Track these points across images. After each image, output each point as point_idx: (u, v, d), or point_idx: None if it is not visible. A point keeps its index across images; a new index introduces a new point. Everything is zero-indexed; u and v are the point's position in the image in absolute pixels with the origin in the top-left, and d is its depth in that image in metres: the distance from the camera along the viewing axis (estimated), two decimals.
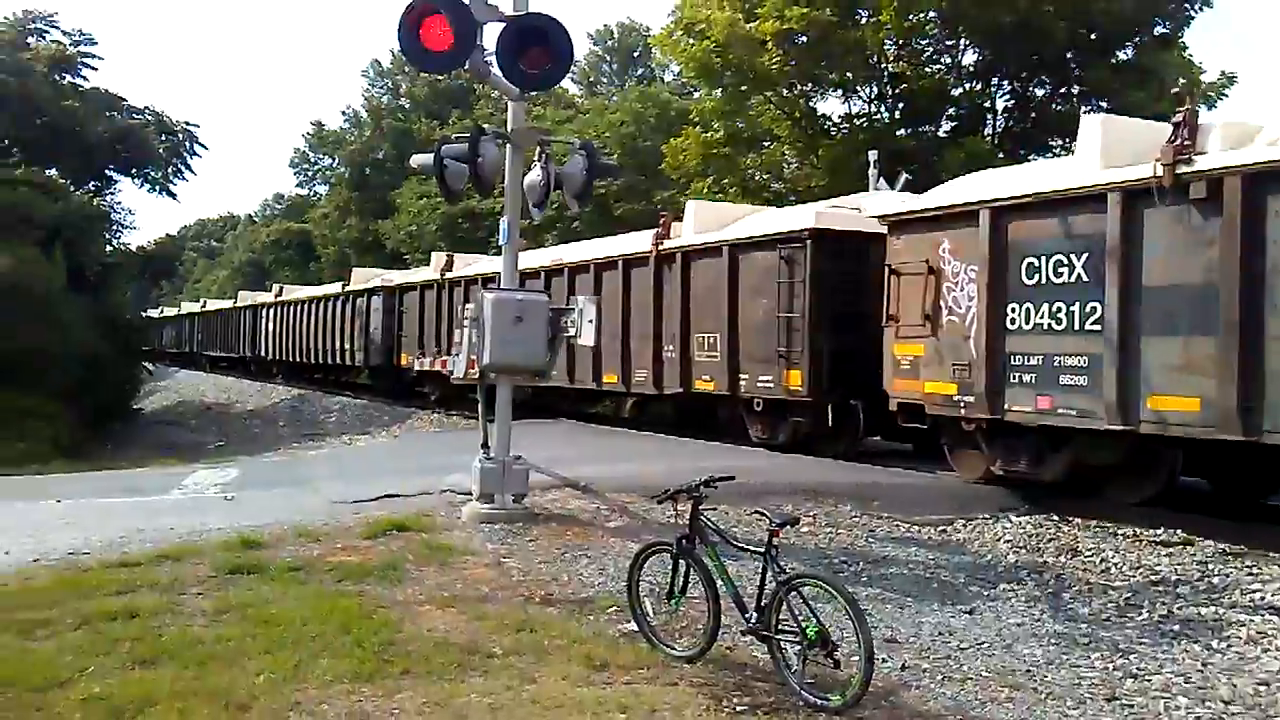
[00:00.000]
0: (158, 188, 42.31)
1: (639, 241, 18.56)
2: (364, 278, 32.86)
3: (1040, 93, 28.45)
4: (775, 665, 5.74)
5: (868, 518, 10.51)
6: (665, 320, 17.31)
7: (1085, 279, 10.37)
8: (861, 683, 5.33)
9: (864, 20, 26.77)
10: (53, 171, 37.51)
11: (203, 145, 43.72)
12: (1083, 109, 27.53)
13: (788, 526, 5.93)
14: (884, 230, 13.06)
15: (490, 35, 9.20)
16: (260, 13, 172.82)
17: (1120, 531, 10.09)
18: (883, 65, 28.06)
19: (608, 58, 63.67)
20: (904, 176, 21.35)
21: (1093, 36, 26.11)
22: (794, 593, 5.63)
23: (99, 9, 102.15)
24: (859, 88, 29.09)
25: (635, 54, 61.77)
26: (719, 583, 6.05)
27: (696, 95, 35.16)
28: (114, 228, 41.09)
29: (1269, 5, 75.21)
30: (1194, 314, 9.47)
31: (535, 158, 10.24)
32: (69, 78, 38.66)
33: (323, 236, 65.29)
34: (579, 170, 10.19)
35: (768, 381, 15.03)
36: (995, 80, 28.57)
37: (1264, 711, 5.74)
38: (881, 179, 20.33)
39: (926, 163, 25.67)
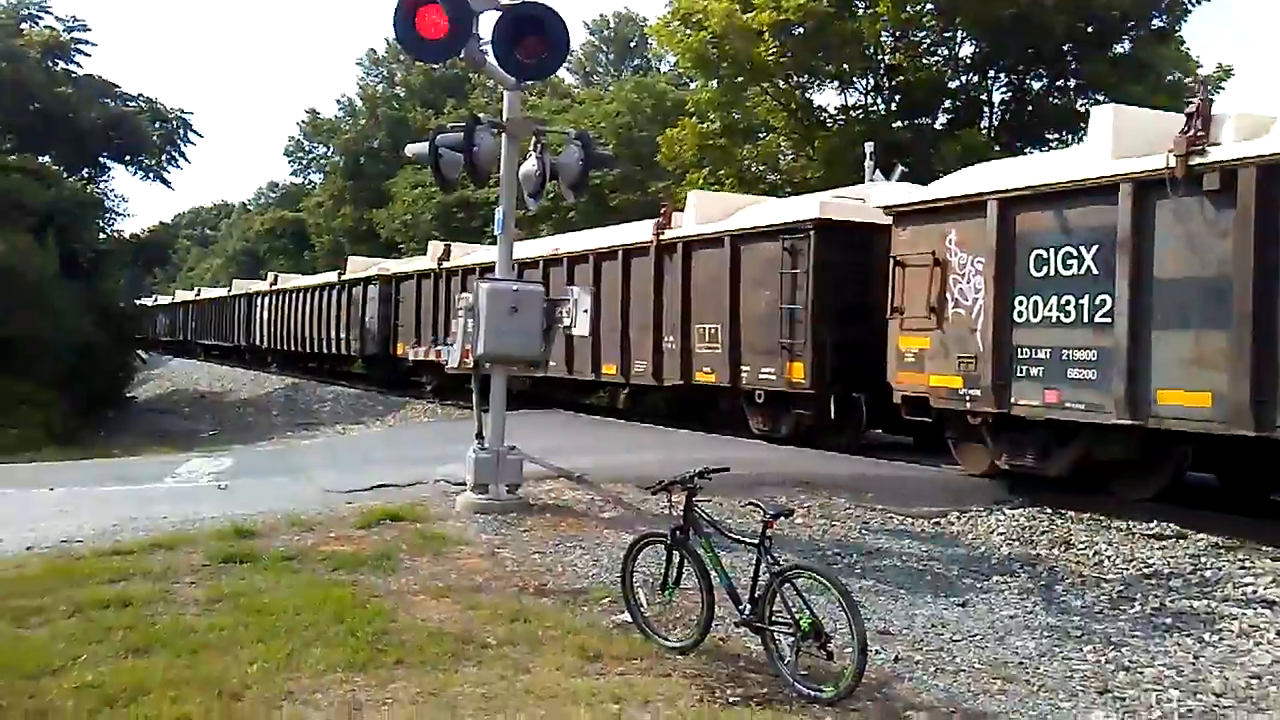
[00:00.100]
0: (151, 175, 42.22)
1: (639, 231, 18.45)
2: (360, 266, 32.74)
3: (1037, 85, 28.43)
4: (769, 656, 5.74)
5: (862, 509, 10.52)
6: (666, 311, 17.20)
7: (1095, 271, 10.27)
8: (854, 674, 5.35)
9: (861, 11, 26.72)
10: (46, 158, 37.32)
11: (197, 133, 43.65)
12: (1079, 102, 27.61)
13: (782, 518, 5.95)
14: (889, 221, 12.93)
15: (486, 24, 9.19)
16: (255, 0, 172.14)
17: (1113, 525, 10.13)
18: (879, 57, 28.01)
19: (604, 48, 63.58)
20: (900, 169, 21.33)
21: (1090, 29, 26.09)
22: (787, 584, 5.64)
23: None
24: (855, 79, 29.04)
25: (631, 44, 61.73)
26: (713, 574, 6.05)
27: (693, 86, 35.13)
28: (107, 215, 40.94)
29: (1267, 1, 75.21)
30: (1206, 307, 9.36)
31: (531, 148, 10.20)
32: (62, 64, 38.44)
33: (317, 225, 65.12)
34: (575, 160, 10.16)
35: (770, 373, 14.95)
36: (992, 73, 28.53)
37: (1256, 704, 5.77)
38: (877, 171, 20.28)
39: (923, 155, 25.67)
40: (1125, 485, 11.01)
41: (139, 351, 40.66)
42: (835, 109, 30.33)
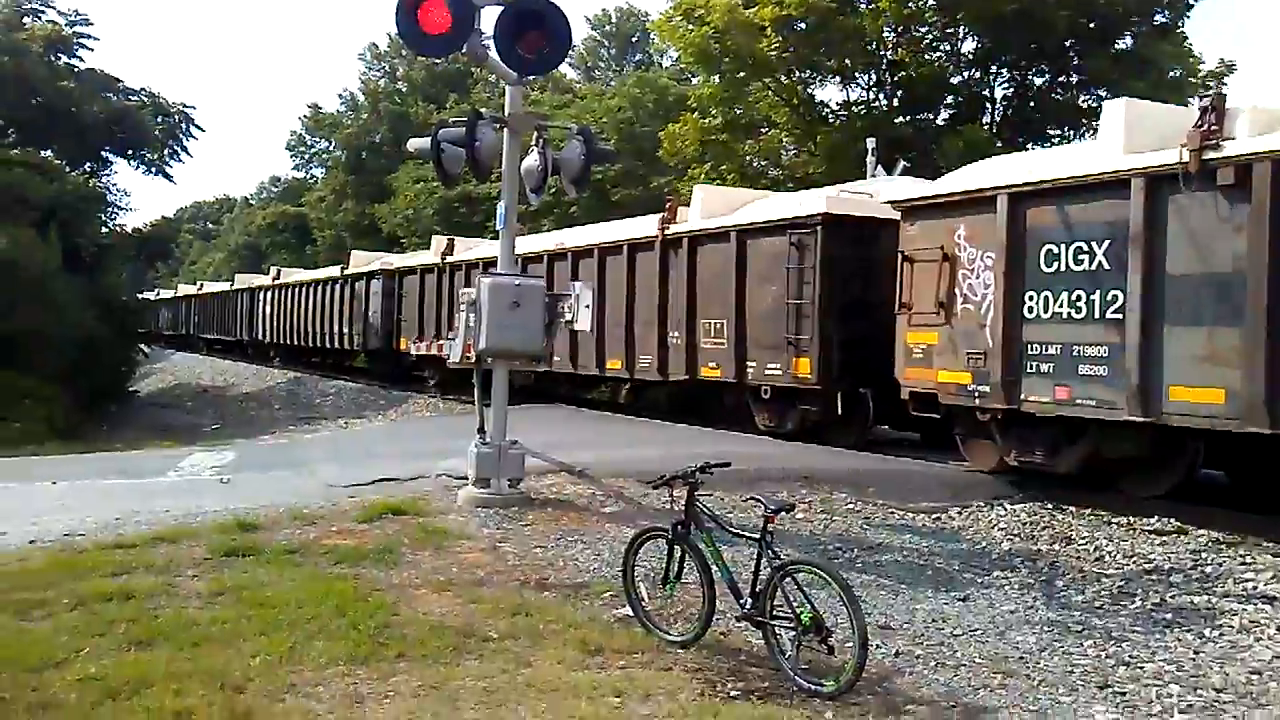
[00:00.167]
0: (154, 169, 42.14)
1: (644, 226, 18.34)
2: (363, 261, 32.63)
3: (1039, 81, 28.40)
4: (769, 651, 5.76)
5: (863, 504, 10.52)
6: (671, 306, 17.13)
7: (1106, 266, 10.16)
8: (855, 668, 5.36)
9: (863, 7, 26.70)
10: (48, 152, 37.33)
11: (199, 127, 43.58)
12: (1081, 98, 27.60)
13: (783, 513, 5.95)
14: (897, 216, 12.83)
15: (488, 19, 9.17)
16: None
17: (1114, 520, 10.12)
18: (881, 52, 27.99)
19: (606, 43, 63.50)
20: (901, 164, 21.33)
21: (1092, 25, 26.05)
22: (788, 579, 5.65)
23: None
24: (858, 75, 29.03)
25: (634, 39, 61.65)
26: (714, 568, 6.06)
27: (695, 81, 35.07)
28: (110, 209, 40.97)
29: None
30: (1220, 303, 9.25)
31: (533, 143, 10.19)
32: (65, 58, 38.39)
33: (319, 220, 65.10)
34: (577, 156, 10.15)
35: (776, 369, 14.88)
36: (994, 68, 28.51)
37: (1256, 700, 5.77)
38: (879, 166, 20.31)
39: (925, 150, 25.68)
40: (1135, 483, 10.89)
41: (141, 346, 40.65)
42: (837, 104, 30.37)
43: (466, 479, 10.03)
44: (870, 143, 20.94)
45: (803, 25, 26.68)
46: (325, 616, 6.29)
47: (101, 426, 27.92)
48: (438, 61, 53.33)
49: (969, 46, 28.18)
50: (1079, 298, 10.45)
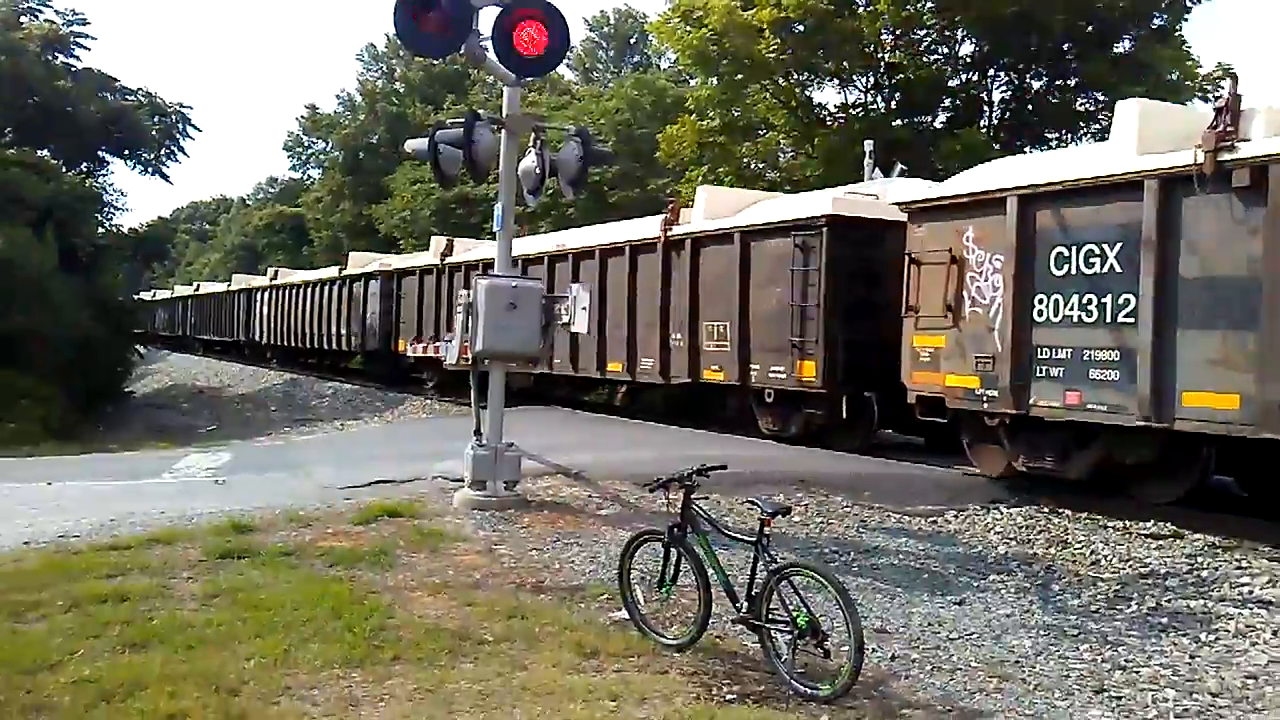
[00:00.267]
0: (150, 170, 42.11)
1: (646, 227, 18.18)
2: (361, 262, 32.54)
3: (1037, 85, 28.41)
4: (765, 654, 5.75)
5: (859, 508, 10.52)
6: (673, 308, 16.96)
7: (1118, 270, 10.00)
8: (851, 672, 5.35)
9: (861, 9, 26.69)
10: (44, 152, 37.29)
11: (196, 127, 43.58)
12: (1079, 101, 27.63)
13: (779, 516, 5.95)
14: (903, 218, 12.66)
15: (486, 20, 9.17)
16: None
17: (1110, 524, 10.13)
18: (879, 55, 27.99)
19: (604, 44, 63.54)
20: (899, 167, 21.32)
21: (1090, 29, 26.07)
22: (785, 582, 5.65)
23: None
24: (855, 77, 29.02)
25: (631, 41, 61.69)
26: (710, 571, 6.06)
27: (692, 83, 35.09)
28: (106, 209, 40.93)
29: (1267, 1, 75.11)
30: (1234, 307, 9.11)
31: (530, 144, 10.20)
32: (61, 58, 38.35)
33: (316, 220, 65.04)
34: (574, 157, 10.15)
35: (780, 372, 14.71)
36: (992, 71, 28.51)
37: (1251, 704, 5.77)
38: (877, 169, 20.28)
39: (922, 153, 25.67)
40: (1147, 488, 10.75)
41: (137, 346, 40.62)
42: (835, 107, 30.36)
43: (463, 481, 10.02)
44: (868, 145, 20.92)
45: (801, 27, 26.67)
46: (320, 619, 6.28)
47: (97, 427, 27.90)
48: (435, 63, 53.34)
49: (967, 49, 28.21)
50: (1090, 301, 10.29)
